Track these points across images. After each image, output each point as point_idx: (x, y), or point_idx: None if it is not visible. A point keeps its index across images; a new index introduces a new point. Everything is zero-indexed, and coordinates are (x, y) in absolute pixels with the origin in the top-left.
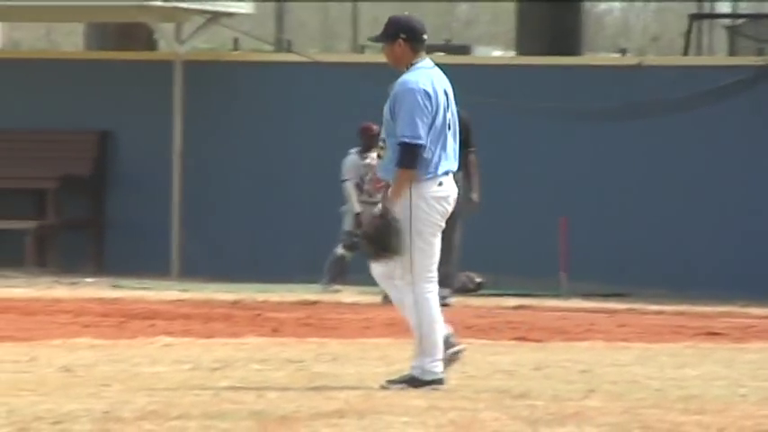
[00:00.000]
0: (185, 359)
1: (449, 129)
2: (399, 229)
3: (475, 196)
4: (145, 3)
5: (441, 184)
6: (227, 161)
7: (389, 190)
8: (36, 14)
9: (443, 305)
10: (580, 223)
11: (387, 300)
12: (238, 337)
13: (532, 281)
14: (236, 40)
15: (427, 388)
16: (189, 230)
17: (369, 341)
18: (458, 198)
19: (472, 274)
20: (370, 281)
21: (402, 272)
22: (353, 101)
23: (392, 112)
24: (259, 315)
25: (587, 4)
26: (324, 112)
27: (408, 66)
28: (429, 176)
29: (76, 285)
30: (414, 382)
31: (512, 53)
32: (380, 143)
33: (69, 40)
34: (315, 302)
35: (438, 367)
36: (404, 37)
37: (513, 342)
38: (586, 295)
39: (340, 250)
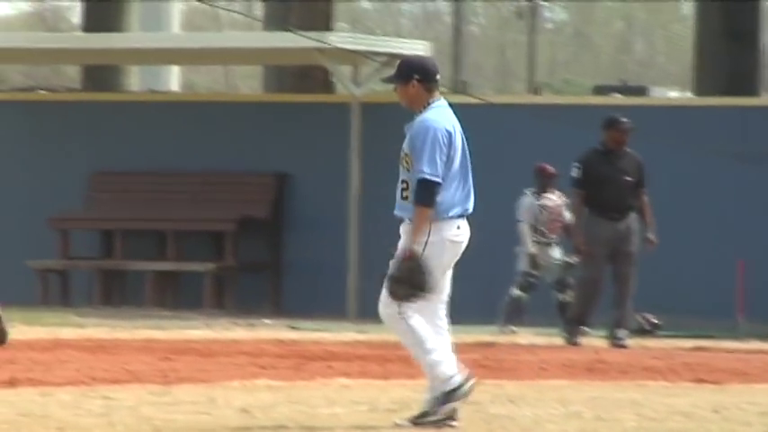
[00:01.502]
0: (362, 400)
1: (465, 169)
2: (428, 268)
3: (652, 236)
4: (323, 46)
5: (459, 227)
6: None
7: (411, 231)
8: (214, 57)
9: (620, 346)
10: (757, 264)
11: (571, 340)
12: (415, 379)
13: (709, 322)
14: None
15: (454, 398)
16: (366, 272)
17: (545, 383)
18: (634, 238)
19: (648, 316)
20: (546, 322)
21: (390, 300)
22: (528, 142)
23: (411, 151)
24: None
25: (766, 44)
26: (498, 153)
27: (425, 106)
28: (448, 217)
29: (254, 327)
30: (440, 400)
31: (688, 94)
32: (402, 184)
33: (247, 83)
34: (491, 344)
35: (455, 378)
36: (417, 78)
37: (691, 384)
38: (765, 337)
39: (515, 291)
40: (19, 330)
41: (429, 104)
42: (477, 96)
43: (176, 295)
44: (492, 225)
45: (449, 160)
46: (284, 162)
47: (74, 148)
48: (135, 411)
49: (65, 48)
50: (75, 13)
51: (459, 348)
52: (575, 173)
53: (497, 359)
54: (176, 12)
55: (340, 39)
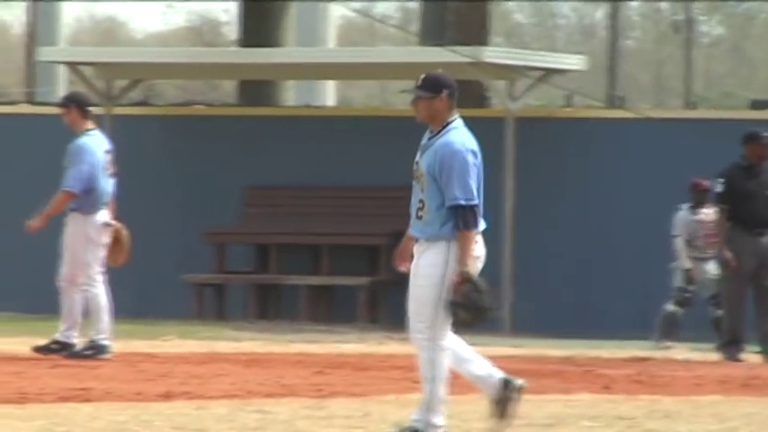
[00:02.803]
0: (517, 415)
1: (480, 187)
2: (485, 287)
3: None
4: (479, 60)
5: (476, 242)
6: (558, 216)
7: (459, 257)
8: (369, 72)
9: None
10: None
11: (731, 357)
12: (569, 394)
13: None
14: (567, 97)
15: None
16: (520, 286)
17: (701, 398)
18: None
19: None
20: (701, 338)
21: (423, 326)
22: (684, 157)
23: (438, 174)
24: (590, 371)
25: None
26: (654, 168)
27: (443, 122)
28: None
29: (408, 341)
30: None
31: None
32: (419, 204)
33: (401, 98)
34: (646, 359)
35: (442, 423)
36: (447, 92)
37: None
38: None
39: (671, 307)
40: (174, 344)
41: (449, 122)
42: (635, 111)
43: (330, 309)
44: (646, 240)
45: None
46: None
47: (229, 163)
48: (289, 425)
49: (221, 62)
50: (232, 29)
51: (614, 364)
52: (718, 188)
53: (652, 374)
54: (332, 27)
55: (495, 53)
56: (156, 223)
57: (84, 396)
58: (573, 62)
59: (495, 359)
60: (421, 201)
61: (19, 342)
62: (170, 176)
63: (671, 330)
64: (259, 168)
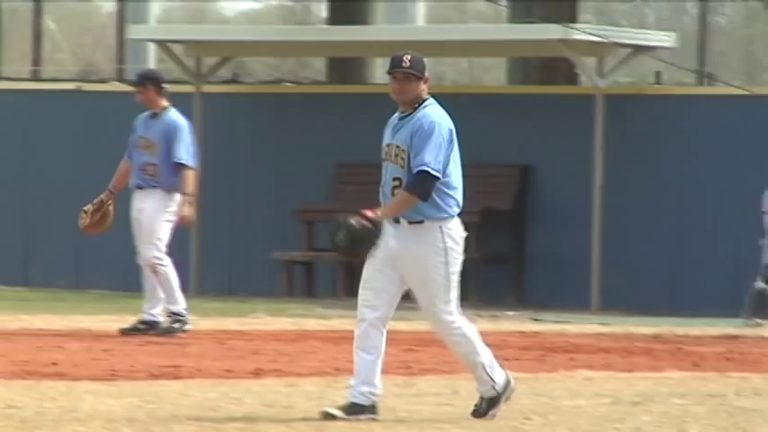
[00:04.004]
0: (606, 393)
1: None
2: (376, 240)
3: None
4: (569, 37)
5: (461, 223)
6: (647, 194)
7: (383, 209)
8: (459, 50)
9: None
10: None
11: None
12: (659, 372)
13: None
14: (657, 74)
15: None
16: (608, 264)
17: None
18: None
19: None
20: None
21: (448, 308)
22: None
23: (412, 143)
24: (680, 349)
25: None
26: (746, 145)
27: (420, 103)
28: (456, 215)
29: (497, 319)
30: (492, 402)
31: None
32: (395, 182)
33: (491, 75)
34: (736, 337)
35: (504, 377)
36: (427, 75)
37: None
38: None
39: (760, 284)
40: (264, 321)
41: (425, 100)
42: (730, 85)
43: None
44: (737, 217)
45: (453, 158)
46: (528, 154)
47: (319, 141)
48: (379, 402)
49: (310, 40)
50: (323, 7)
51: (704, 341)
52: None
53: (742, 352)
54: (422, 4)
55: (584, 30)
56: (246, 201)
57: (175, 373)
58: (662, 39)
59: (584, 337)
60: (397, 178)
61: (110, 320)
62: (259, 154)
63: (761, 307)
64: (349, 146)
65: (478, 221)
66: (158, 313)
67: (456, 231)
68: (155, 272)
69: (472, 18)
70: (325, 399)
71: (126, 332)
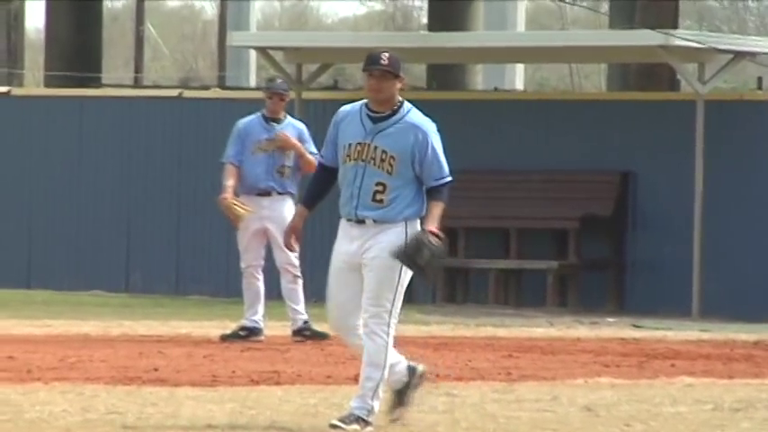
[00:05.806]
0: (706, 399)
1: None
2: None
3: None
4: (669, 43)
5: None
6: (748, 200)
7: (434, 226)
8: (558, 56)
9: None
10: None
11: None
12: (760, 378)
13: None
14: (759, 79)
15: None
16: (709, 270)
17: None
18: None
19: None
20: None
21: (383, 311)
22: None
23: (417, 155)
24: None
25: None
26: None
27: (394, 104)
28: (420, 216)
29: (597, 325)
30: (360, 421)
31: None
32: (377, 187)
33: (590, 81)
34: None
35: (377, 406)
36: (403, 75)
37: None
38: None
39: None
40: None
41: (401, 104)
42: None
43: (519, 293)
44: None
45: None
46: (628, 160)
47: None
48: (479, 408)
49: (410, 47)
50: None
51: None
52: None
53: None
54: (521, 10)
55: (685, 36)
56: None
57: (275, 379)
58: (764, 44)
59: (684, 344)
60: (380, 183)
61: (211, 326)
62: None
63: None
64: (449, 152)
65: (579, 228)
66: (259, 319)
67: (415, 229)
68: (294, 278)
69: (572, 24)
70: (424, 405)
71: (226, 338)
